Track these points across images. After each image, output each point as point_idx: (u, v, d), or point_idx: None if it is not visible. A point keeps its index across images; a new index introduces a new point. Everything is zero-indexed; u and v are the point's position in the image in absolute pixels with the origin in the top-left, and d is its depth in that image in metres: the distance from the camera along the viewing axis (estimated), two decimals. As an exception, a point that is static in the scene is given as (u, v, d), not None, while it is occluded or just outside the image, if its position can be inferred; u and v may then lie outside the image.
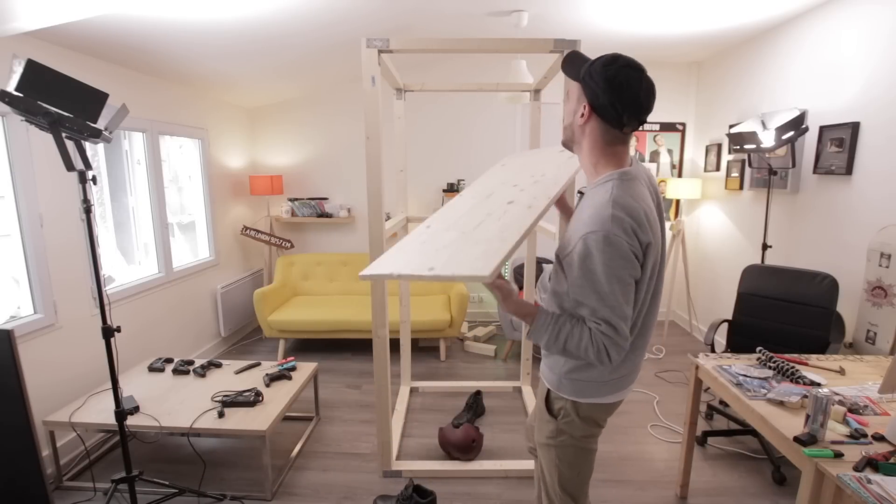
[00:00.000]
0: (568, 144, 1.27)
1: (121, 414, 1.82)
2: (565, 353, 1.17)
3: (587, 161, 1.21)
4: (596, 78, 1.11)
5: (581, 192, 1.33)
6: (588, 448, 1.34)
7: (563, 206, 1.59)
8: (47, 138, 2.32)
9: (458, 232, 1.29)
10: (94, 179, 1.64)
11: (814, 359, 2.01)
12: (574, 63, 1.18)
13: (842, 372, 1.88)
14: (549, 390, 1.34)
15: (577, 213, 1.20)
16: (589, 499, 1.43)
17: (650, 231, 1.12)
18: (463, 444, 2.39)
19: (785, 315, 2.47)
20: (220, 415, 2.20)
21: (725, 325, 2.67)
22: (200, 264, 3.69)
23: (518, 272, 3.99)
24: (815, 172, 2.85)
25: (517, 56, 4.15)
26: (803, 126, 2.80)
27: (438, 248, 1.23)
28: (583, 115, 1.16)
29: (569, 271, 1.15)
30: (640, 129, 4.38)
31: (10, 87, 1.43)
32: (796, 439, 1.41)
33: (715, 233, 4.03)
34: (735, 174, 3.69)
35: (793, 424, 1.51)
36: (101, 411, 2.26)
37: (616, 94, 1.10)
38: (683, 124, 4.39)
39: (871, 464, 1.29)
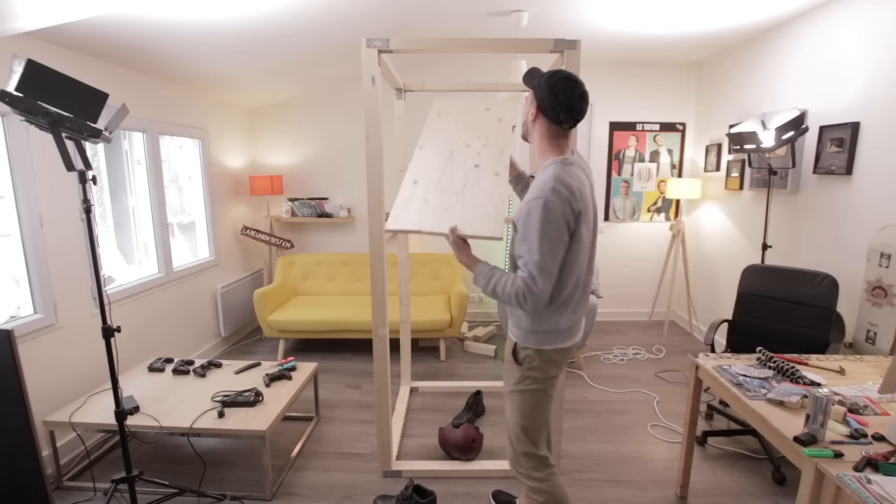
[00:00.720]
0: (525, 137, 1.60)
1: (121, 414, 1.82)
2: (496, 296, 1.46)
3: (537, 149, 1.53)
4: (542, 86, 1.44)
5: (533, 176, 1.60)
6: (547, 392, 1.61)
7: (513, 165, 1.87)
8: (47, 138, 2.32)
9: (450, 194, 1.61)
10: (94, 179, 1.64)
11: (814, 359, 2.01)
12: (532, 75, 1.51)
13: (842, 372, 1.88)
14: (515, 343, 1.60)
15: (530, 190, 1.46)
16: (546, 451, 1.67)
17: (582, 202, 1.41)
18: (463, 444, 2.39)
19: (785, 315, 2.47)
20: (220, 415, 2.20)
21: (725, 325, 2.67)
22: (200, 264, 3.69)
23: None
24: (815, 172, 2.85)
25: (517, 56, 4.15)
26: (803, 126, 2.80)
27: (445, 208, 1.58)
28: (533, 114, 1.50)
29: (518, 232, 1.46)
30: (642, 128, 4.38)
31: (10, 87, 1.43)
32: (796, 439, 1.41)
33: (715, 233, 4.03)
34: (735, 174, 3.69)
35: (793, 424, 1.51)
36: (101, 411, 2.26)
37: (555, 98, 1.42)
38: (683, 124, 4.39)
39: (871, 464, 1.29)
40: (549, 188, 1.37)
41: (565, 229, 1.39)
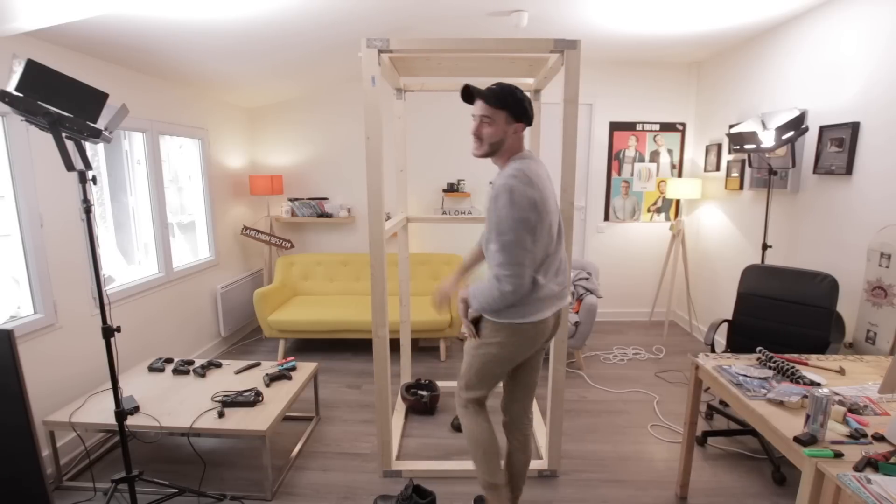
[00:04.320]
0: (490, 154, 1.65)
1: (121, 414, 1.82)
2: (492, 309, 1.61)
3: (505, 158, 1.65)
4: (519, 103, 1.59)
5: (491, 182, 1.66)
6: (493, 342, 1.70)
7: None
8: (47, 138, 2.32)
9: None
10: (94, 179, 1.64)
11: (814, 359, 2.01)
12: (493, 96, 1.58)
13: (842, 372, 1.88)
14: (481, 316, 1.72)
15: (492, 190, 1.59)
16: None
17: (540, 187, 1.56)
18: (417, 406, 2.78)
19: (785, 315, 2.47)
20: (220, 415, 2.20)
21: (725, 325, 2.67)
22: (200, 264, 3.69)
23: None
24: (815, 172, 2.85)
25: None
26: (803, 126, 2.80)
27: None
28: (515, 128, 1.62)
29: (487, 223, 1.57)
30: (642, 128, 4.38)
31: (10, 87, 1.43)
32: (796, 439, 1.41)
33: (715, 233, 4.03)
34: (735, 174, 3.69)
35: (793, 424, 1.51)
36: (101, 411, 2.26)
37: (527, 106, 1.62)
38: (683, 124, 4.39)
39: (871, 464, 1.29)
40: (509, 175, 1.54)
41: (530, 209, 1.52)
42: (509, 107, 1.59)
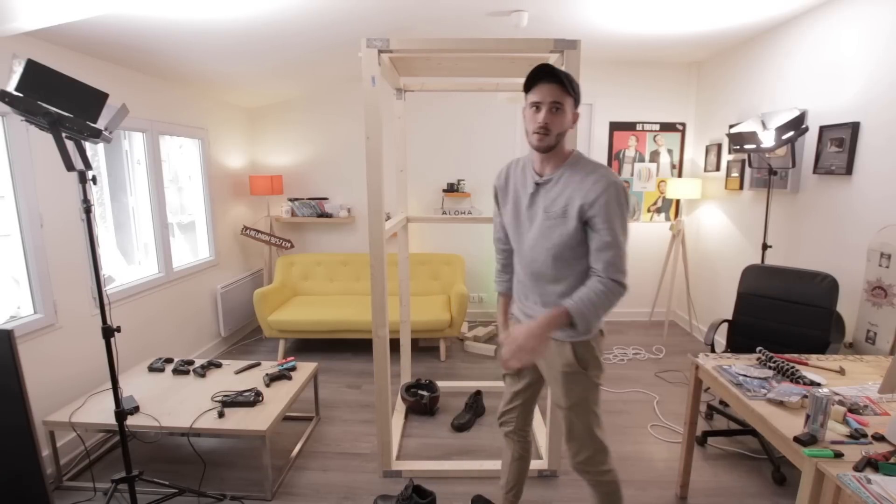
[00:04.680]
0: (551, 148, 1.46)
1: (121, 414, 1.82)
2: (605, 313, 1.42)
3: (561, 153, 1.49)
4: (577, 88, 1.44)
5: (539, 183, 1.51)
6: (601, 383, 1.57)
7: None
8: (47, 138, 2.32)
9: None
10: (94, 179, 1.64)
11: (814, 359, 2.01)
12: (567, 79, 1.40)
13: (842, 372, 1.88)
14: (573, 345, 1.50)
15: (559, 190, 1.46)
16: None
17: None
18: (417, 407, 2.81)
19: (785, 315, 2.47)
20: (220, 415, 2.20)
21: (725, 325, 2.67)
22: (200, 264, 3.69)
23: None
24: (815, 172, 2.85)
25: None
26: (803, 126, 2.80)
27: None
28: (575, 119, 1.47)
29: (594, 221, 1.41)
30: (642, 128, 4.37)
31: (10, 87, 1.43)
32: (796, 439, 1.41)
33: (715, 233, 4.03)
34: (735, 174, 3.69)
35: (793, 424, 1.51)
36: (101, 411, 2.26)
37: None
38: (683, 124, 4.39)
39: (871, 464, 1.29)
40: (611, 171, 1.43)
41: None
42: (575, 92, 1.44)
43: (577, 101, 1.46)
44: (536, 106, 1.41)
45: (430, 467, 2.35)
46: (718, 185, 3.96)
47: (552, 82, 1.39)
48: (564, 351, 1.51)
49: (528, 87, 1.44)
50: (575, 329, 1.43)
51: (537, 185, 1.51)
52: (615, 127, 4.39)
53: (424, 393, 2.89)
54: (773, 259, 3.24)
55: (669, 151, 4.44)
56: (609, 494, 1.62)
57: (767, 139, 2.83)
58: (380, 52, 1.96)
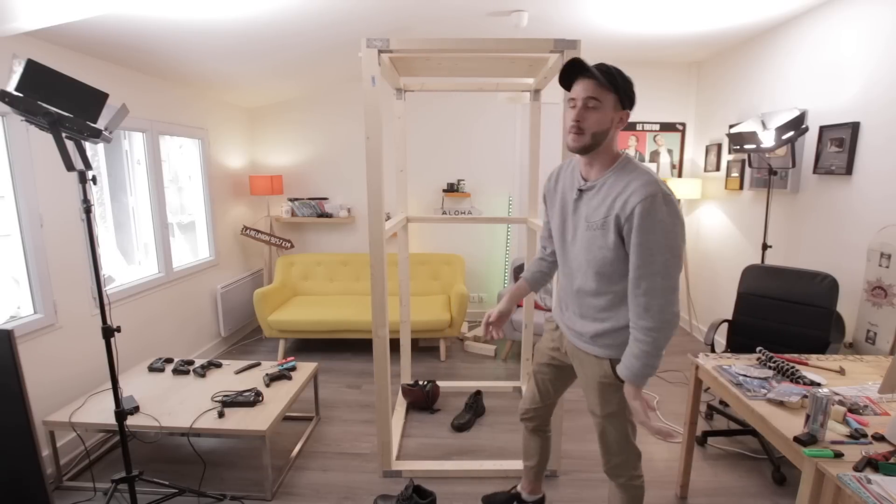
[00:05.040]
0: (589, 149, 1.38)
1: (121, 414, 1.82)
2: (660, 357, 1.32)
3: (607, 157, 1.40)
4: (627, 84, 1.32)
5: (582, 190, 1.44)
6: None
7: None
8: (47, 138, 2.32)
9: None
10: (94, 179, 1.64)
11: (814, 359, 2.01)
12: (607, 74, 1.30)
13: (842, 372, 1.88)
14: (611, 361, 1.45)
15: (601, 198, 1.36)
16: None
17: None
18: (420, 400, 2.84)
19: (785, 315, 2.47)
20: (220, 415, 2.20)
21: (725, 325, 2.67)
22: (200, 264, 3.69)
23: (518, 272, 3.99)
24: (815, 172, 2.85)
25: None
26: (803, 126, 2.80)
27: None
28: (622, 119, 1.36)
29: (630, 237, 1.29)
30: (642, 128, 4.37)
31: (10, 87, 1.43)
32: (796, 439, 1.41)
33: (715, 233, 4.03)
34: (735, 174, 3.69)
35: (793, 424, 1.51)
36: (101, 411, 2.26)
37: (634, 92, 1.34)
38: (683, 124, 4.39)
39: (871, 464, 1.29)
40: (656, 181, 1.28)
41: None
42: (619, 89, 1.31)
43: (623, 99, 1.32)
44: (573, 103, 1.34)
45: (430, 467, 2.35)
46: (718, 185, 3.96)
47: (587, 77, 1.30)
48: (603, 364, 1.48)
49: (567, 84, 1.37)
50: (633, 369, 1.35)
51: (580, 191, 1.43)
52: (615, 127, 4.39)
53: (425, 382, 2.95)
54: (773, 259, 3.24)
55: (669, 151, 4.44)
56: (634, 499, 1.60)
57: (767, 139, 2.83)
58: (380, 52, 1.96)
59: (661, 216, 1.24)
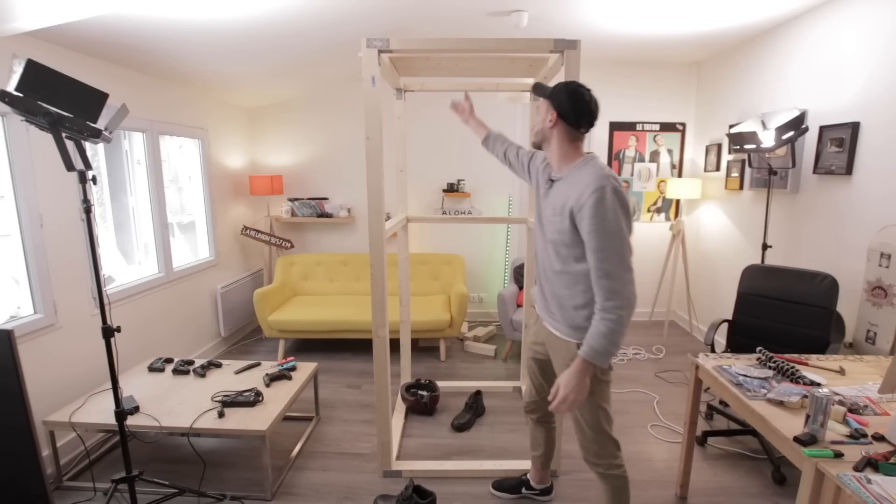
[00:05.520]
0: (538, 145, 1.66)
1: (121, 414, 1.82)
2: (623, 335, 1.44)
3: (557, 154, 1.59)
4: (561, 93, 1.53)
5: (553, 180, 1.63)
6: (609, 380, 1.64)
7: (476, 122, 2.14)
8: (47, 138, 2.32)
9: None
10: (94, 179, 1.64)
11: (814, 359, 2.01)
12: (541, 88, 1.59)
13: (842, 372, 1.88)
14: (578, 344, 1.54)
15: (563, 190, 1.53)
16: None
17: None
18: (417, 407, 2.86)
19: (785, 315, 2.47)
20: (220, 415, 2.20)
21: (725, 325, 2.67)
22: (200, 264, 3.69)
23: (518, 272, 3.99)
24: (815, 172, 2.85)
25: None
26: (803, 126, 2.80)
27: None
28: (551, 121, 1.55)
29: (582, 225, 1.45)
30: (642, 128, 4.37)
31: (10, 87, 1.43)
32: (796, 439, 1.41)
33: (715, 233, 4.03)
34: (735, 174, 3.69)
35: (793, 424, 1.51)
36: (101, 411, 2.26)
37: (576, 103, 1.52)
38: (683, 124, 4.39)
39: (871, 464, 1.29)
40: (607, 175, 1.43)
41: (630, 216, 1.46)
42: (551, 97, 1.55)
43: (554, 102, 1.54)
44: None
45: (430, 467, 2.35)
46: (718, 185, 3.96)
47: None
48: (572, 349, 1.57)
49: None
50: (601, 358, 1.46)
51: (551, 180, 1.64)
52: (615, 127, 4.39)
53: (424, 392, 2.89)
54: (773, 259, 3.24)
55: (669, 151, 4.44)
56: (617, 489, 1.68)
57: (767, 139, 2.83)
58: (380, 52, 1.96)
59: (611, 205, 1.40)
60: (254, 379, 2.60)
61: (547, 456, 2.12)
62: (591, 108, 1.53)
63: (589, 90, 1.55)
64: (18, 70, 1.43)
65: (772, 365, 1.90)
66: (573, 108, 1.52)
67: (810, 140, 2.90)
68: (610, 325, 1.42)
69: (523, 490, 2.19)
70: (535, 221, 1.73)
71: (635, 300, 1.43)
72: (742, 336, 2.61)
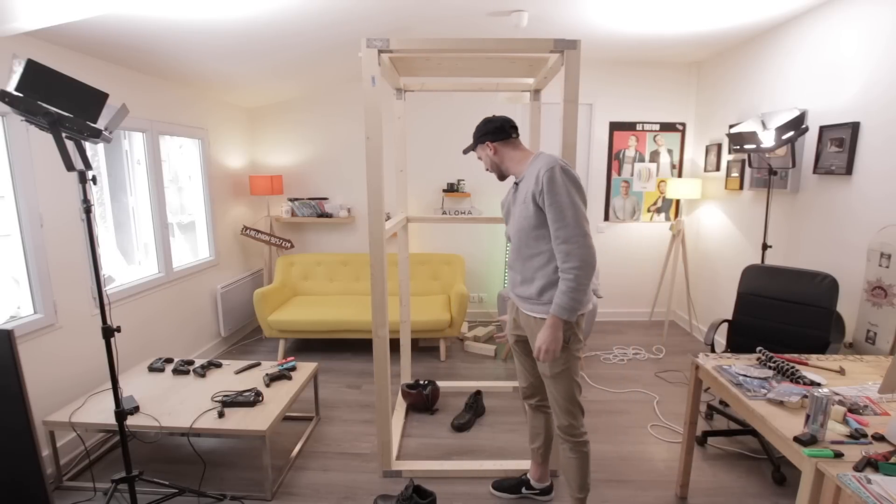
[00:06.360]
0: (501, 177, 1.89)
1: (121, 414, 1.82)
2: (583, 293, 1.63)
3: (514, 164, 1.82)
4: (479, 132, 1.84)
5: (517, 182, 1.82)
6: (580, 356, 1.81)
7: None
8: (47, 138, 2.32)
9: None
10: (94, 179, 1.64)
11: (814, 359, 2.01)
12: (468, 149, 1.95)
13: (842, 372, 1.88)
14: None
15: (524, 184, 1.73)
16: None
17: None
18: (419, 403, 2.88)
19: (785, 315, 2.47)
20: (220, 415, 2.20)
21: (725, 325, 2.67)
22: (200, 264, 3.69)
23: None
24: (815, 172, 2.85)
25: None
26: (803, 126, 2.80)
27: None
28: (492, 150, 1.83)
29: (544, 204, 1.64)
30: (642, 128, 4.36)
31: (10, 87, 1.43)
32: (796, 439, 1.41)
33: (715, 233, 4.03)
34: (735, 174, 3.69)
35: (793, 424, 1.51)
36: (101, 411, 2.26)
37: (490, 124, 1.81)
38: (683, 124, 4.39)
39: (871, 464, 1.29)
40: (555, 158, 1.66)
41: (583, 191, 1.66)
42: (478, 140, 1.85)
43: (483, 139, 1.82)
44: None
45: (430, 467, 2.35)
46: (718, 185, 3.96)
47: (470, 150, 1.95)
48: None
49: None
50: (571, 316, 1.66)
51: (516, 184, 1.84)
52: (615, 127, 4.39)
53: (425, 382, 2.96)
54: (773, 259, 3.24)
55: (669, 151, 4.44)
56: (586, 455, 1.85)
57: (767, 139, 2.83)
58: (380, 52, 1.96)
59: (561, 181, 1.60)
60: (254, 379, 2.60)
61: (547, 447, 2.13)
62: (502, 120, 1.81)
63: (491, 115, 1.85)
64: (18, 70, 1.43)
65: (772, 365, 1.90)
66: (493, 129, 1.79)
67: (810, 140, 2.90)
68: (569, 283, 1.60)
69: (523, 490, 2.18)
70: (508, 228, 1.88)
71: (593, 261, 1.61)
72: (742, 336, 2.61)
